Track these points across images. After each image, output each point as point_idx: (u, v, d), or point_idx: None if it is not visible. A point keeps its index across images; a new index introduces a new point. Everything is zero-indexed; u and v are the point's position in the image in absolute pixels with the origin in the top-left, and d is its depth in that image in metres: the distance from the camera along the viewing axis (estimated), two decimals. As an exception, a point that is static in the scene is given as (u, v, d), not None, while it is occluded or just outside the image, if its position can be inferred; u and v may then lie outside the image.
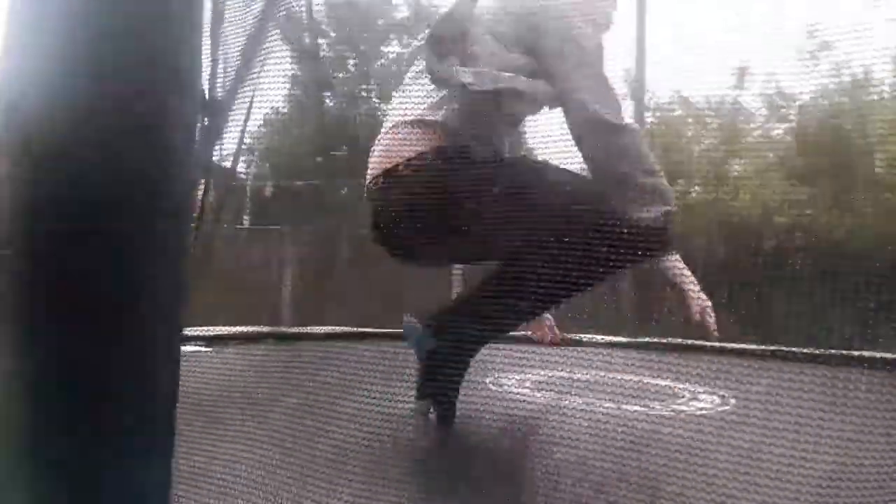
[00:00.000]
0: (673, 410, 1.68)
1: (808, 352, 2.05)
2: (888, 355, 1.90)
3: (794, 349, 2.10)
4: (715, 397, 1.91)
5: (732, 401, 1.84)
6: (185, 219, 0.60)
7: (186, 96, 0.60)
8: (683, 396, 1.89)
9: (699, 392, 1.95)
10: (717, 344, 1.94)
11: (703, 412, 1.69)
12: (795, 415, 0.99)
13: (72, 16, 0.55)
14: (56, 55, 0.55)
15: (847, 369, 1.27)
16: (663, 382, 1.90)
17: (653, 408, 1.65)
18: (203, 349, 2.33)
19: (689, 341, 2.12)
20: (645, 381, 1.50)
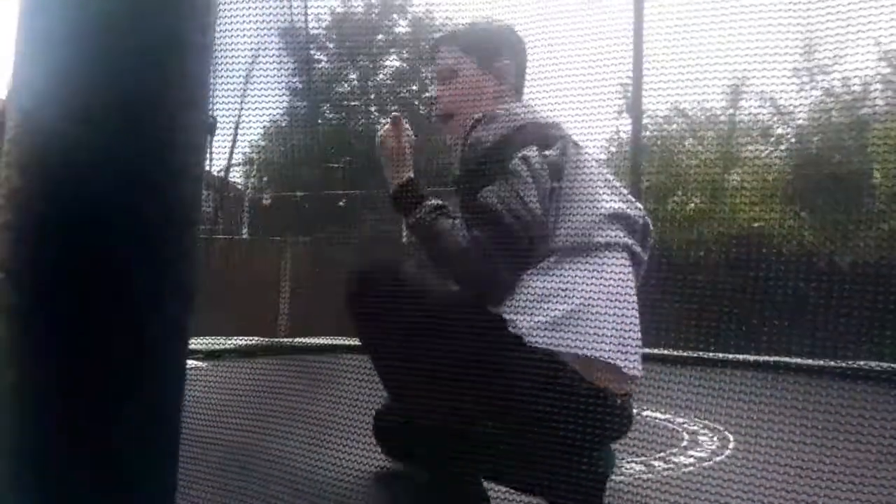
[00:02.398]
0: (674, 464, 1.65)
1: (790, 361, 2.04)
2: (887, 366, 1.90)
3: (779, 359, 2.09)
4: (714, 437, 1.90)
5: (732, 442, 1.84)
6: (193, 231, 0.61)
7: (195, 111, 0.61)
8: (683, 441, 1.87)
9: (699, 432, 1.94)
10: (700, 354, 1.93)
11: (707, 463, 1.67)
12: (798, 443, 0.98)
13: (84, 32, 0.56)
14: (67, 70, 0.56)
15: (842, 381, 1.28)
16: (661, 416, 1.89)
17: (653, 465, 1.62)
18: (200, 364, 2.32)
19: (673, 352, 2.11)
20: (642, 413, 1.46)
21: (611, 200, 1.27)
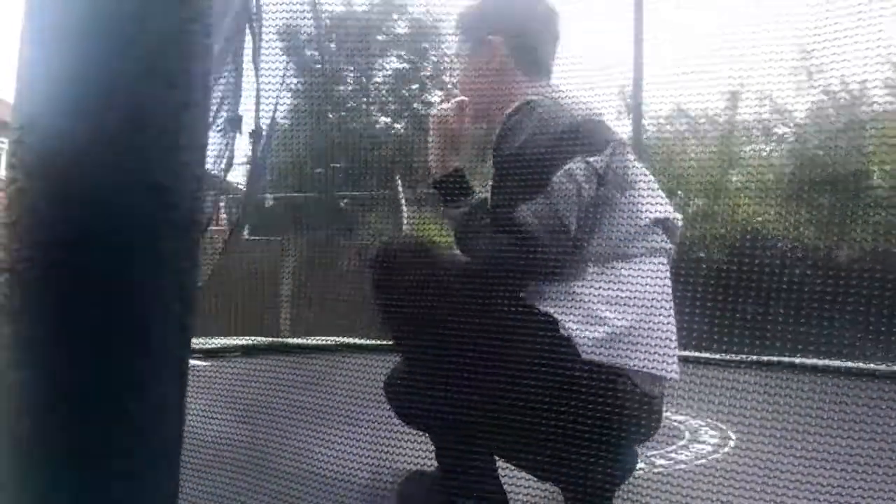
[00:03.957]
0: (674, 460, 1.65)
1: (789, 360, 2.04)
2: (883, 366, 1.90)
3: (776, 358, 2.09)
4: (715, 432, 1.90)
5: (733, 436, 1.84)
6: (195, 232, 0.61)
7: (197, 114, 0.61)
8: (684, 436, 1.87)
9: (700, 428, 1.93)
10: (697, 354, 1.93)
11: (709, 458, 1.66)
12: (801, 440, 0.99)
13: (87, 33, 0.56)
14: (71, 71, 0.56)
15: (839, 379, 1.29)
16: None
17: (653, 460, 1.61)
18: (200, 363, 2.32)
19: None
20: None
21: (654, 205, 1.24)
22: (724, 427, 1.95)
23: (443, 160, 1.29)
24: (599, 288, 1.17)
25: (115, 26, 0.56)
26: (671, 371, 1.19)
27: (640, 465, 1.52)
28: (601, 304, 1.17)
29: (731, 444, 1.83)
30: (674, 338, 1.21)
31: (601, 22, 1.21)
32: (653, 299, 1.18)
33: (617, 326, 1.16)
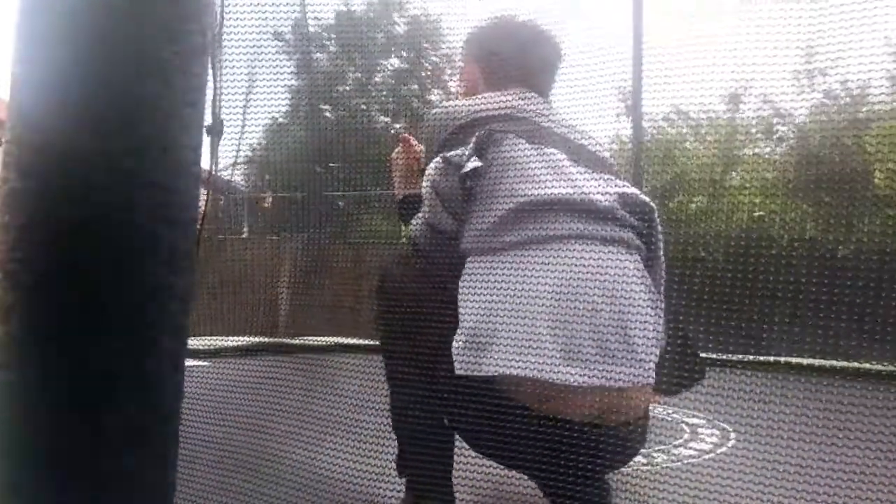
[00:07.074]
0: (674, 457, 1.65)
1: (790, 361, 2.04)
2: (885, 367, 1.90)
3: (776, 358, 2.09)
4: (715, 431, 1.90)
5: (733, 436, 1.84)
6: (190, 229, 0.61)
7: (192, 110, 0.61)
8: (683, 435, 1.87)
9: (699, 427, 1.94)
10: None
11: (708, 456, 1.67)
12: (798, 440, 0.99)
13: (83, 32, 0.56)
14: (67, 69, 0.56)
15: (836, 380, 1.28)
16: (660, 409, 1.89)
17: (653, 457, 1.61)
18: (200, 363, 2.32)
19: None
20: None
21: (555, 187, 1.12)
22: (725, 426, 1.95)
23: (399, 189, 1.40)
24: (466, 288, 1.07)
25: (111, 25, 0.56)
26: (597, 378, 1.01)
27: (641, 461, 1.53)
28: (467, 306, 1.05)
29: (731, 442, 1.83)
30: (610, 338, 1.05)
31: (600, 21, 1.21)
32: (542, 295, 1.03)
33: (478, 330, 1.02)
